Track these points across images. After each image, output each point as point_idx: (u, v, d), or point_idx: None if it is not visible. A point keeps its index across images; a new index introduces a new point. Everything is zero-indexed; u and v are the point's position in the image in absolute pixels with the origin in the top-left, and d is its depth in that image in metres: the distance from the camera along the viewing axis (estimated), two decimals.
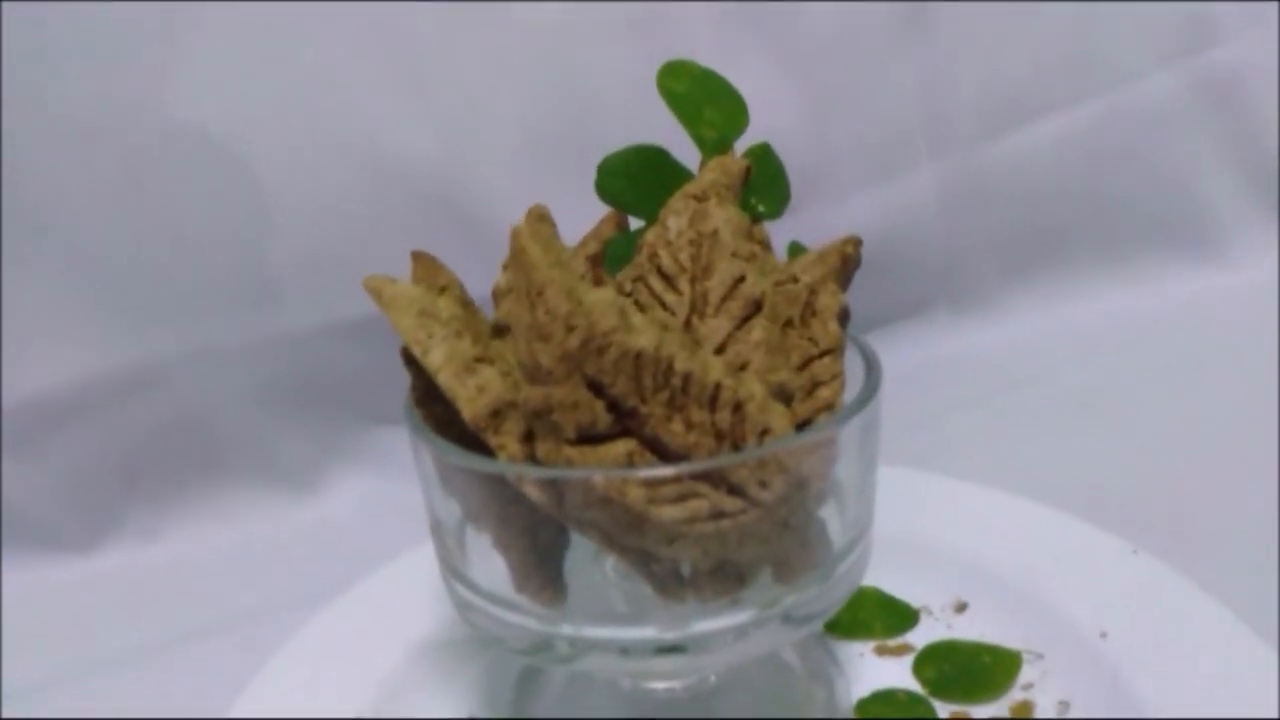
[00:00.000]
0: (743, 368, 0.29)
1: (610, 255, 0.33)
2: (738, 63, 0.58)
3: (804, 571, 0.29)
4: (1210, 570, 0.37)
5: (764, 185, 0.36)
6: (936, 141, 0.60)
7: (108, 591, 0.49)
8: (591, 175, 0.56)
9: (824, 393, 0.31)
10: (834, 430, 0.28)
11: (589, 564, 0.31)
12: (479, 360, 0.27)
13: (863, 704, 0.35)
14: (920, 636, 0.38)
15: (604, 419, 0.25)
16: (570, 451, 0.25)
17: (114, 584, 0.49)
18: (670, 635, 0.28)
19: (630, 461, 0.26)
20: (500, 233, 0.54)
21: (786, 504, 0.27)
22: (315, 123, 0.50)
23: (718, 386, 0.26)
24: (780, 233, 0.62)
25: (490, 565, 0.29)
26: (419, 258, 0.34)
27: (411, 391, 0.30)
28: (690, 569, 0.29)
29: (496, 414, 0.26)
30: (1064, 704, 0.34)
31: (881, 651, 0.38)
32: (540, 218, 0.37)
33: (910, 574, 0.41)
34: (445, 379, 0.27)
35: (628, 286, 0.30)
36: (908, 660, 0.37)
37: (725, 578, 0.29)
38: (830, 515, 0.30)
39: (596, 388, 0.25)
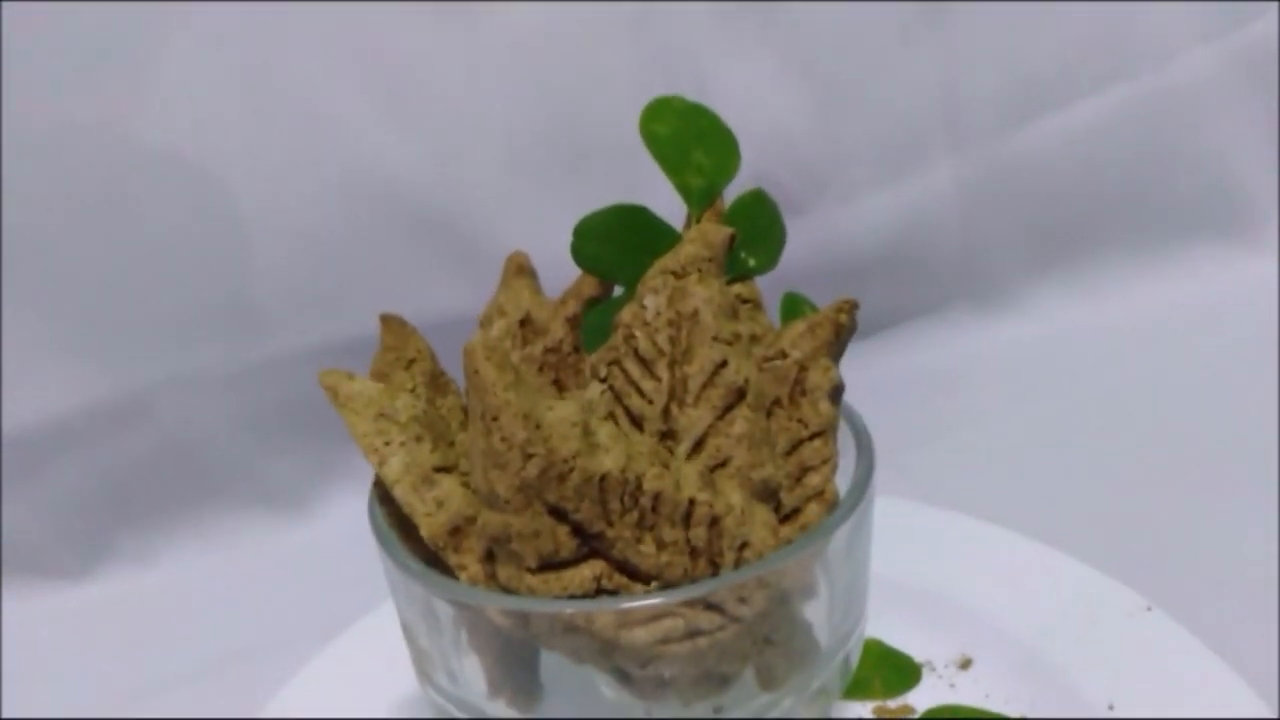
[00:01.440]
0: (724, 464, 0.27)
1: (588, 327, 0.31)
2: (743, 60, 0.56)
3: (789, 677, 0.28)
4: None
5: (757, 235, 0.33)
6: (956, 135, 0.57)
7: (102, 619, 0.48)
8: (584, 185, 0.54)
9: (813, 479, 0.29)
10: (819, 542, 0.26)
11: (568, 665, 0.29)
12: (439, 470, 0.26)
13: None
14: (922, 697, 0.37)
15: (568, 545, 0.24)
16: (532, 580, 0.24)
17: (109, 610, 0.49)
18: None
19: (598, 585, 0.24)
20: (490, 250, 0.52)
21: (768, 619, 0.26)
22: (292, 141, 0.47)
23: (691, 503, 0.25)
24: (792, 238, 0.60)
25: (463, 668, 0.28)
26: (388, 323, 0.32)
27: (375, 487, 0.28)
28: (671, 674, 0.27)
29: (456, 531, 0.25)
30: None
31: (880, 714, 0.37)
32: (520, 269, 0.36)
33: (914, 624, 0.39)
34: (402, 493, 0.25)
35: (602, 371, 0.28)
36: None
37: (708, 681, 0.28)
38: (817, 613, 0.28)
39: (559, 513, 0.23)
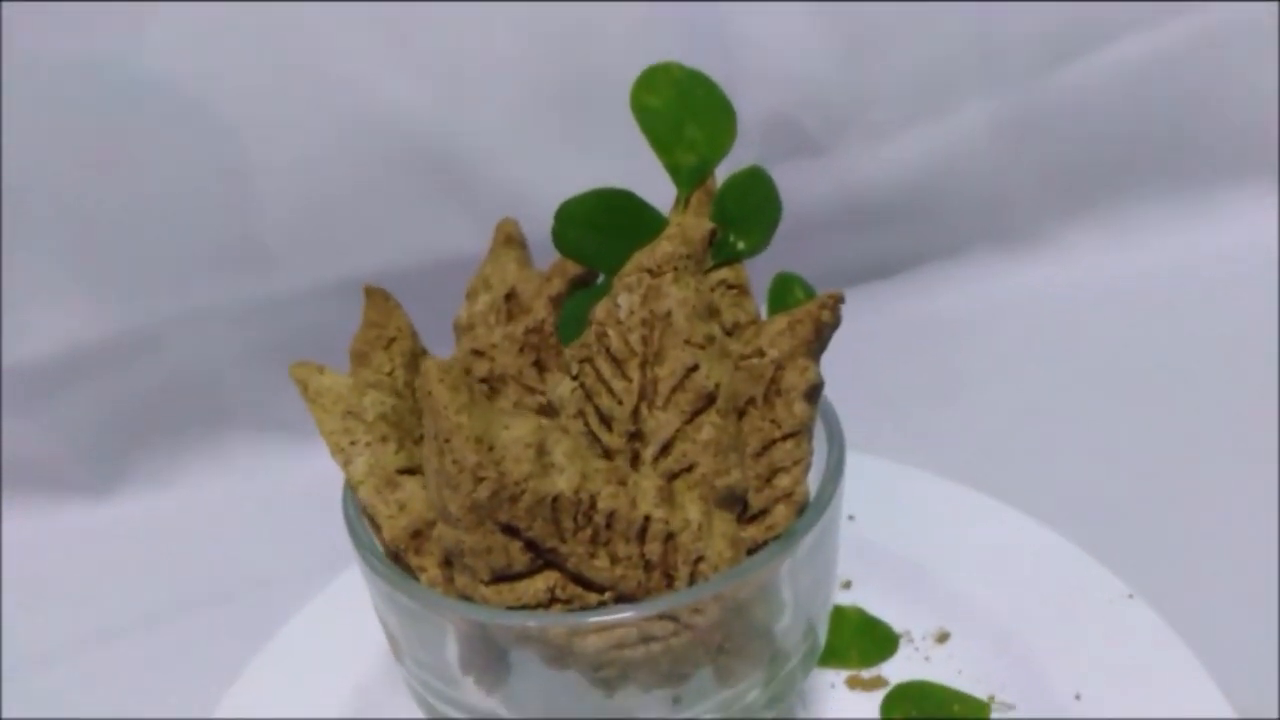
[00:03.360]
0: (689, 469, 0.27)
1: (565, 316, 0.30)
2: None
3: (747, 675, 0.28)
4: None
5: (748, 216, 0.33)
6: (990, 75, 0.55)
7: (121, 538, 0.50)
8: (593, 126, 0.53)
9: (784, 480, 0.29)
10: (775, 560, 0.26)
11: None
12: (402, 472, 0.26)
13: None
14: (896, 669, 0.37)
15: (521, 559, 0.24)
16: (486, 590, 0.24)
17: (127, 530, 0.51)
18: None
19: (552, 595, 0.25)
20: (497, 191, 0.51)
21: (722, 627, 0.26)
22: (300, 81, 0.47)
23: (647, 519, 0.25)
24: (811, 178, 0.58)
25: (431, 651, 0.29)
26: (372, 296, 0.32)
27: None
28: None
29: (417, 534, 0.25)
30: None
31: (854, 684, 0.37)
32: (508, 238, 0.35)
33: (898, 593, 0.40)
34: (365, 494, 0.26)
35: (574, 369, 0.28)
36: (878, 696, 0.37)
37: (667, 678, 0.28)
38: (777, 616, 0.29)
39: (512, 530, 0.24)
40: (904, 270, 0.60)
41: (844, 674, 0.38)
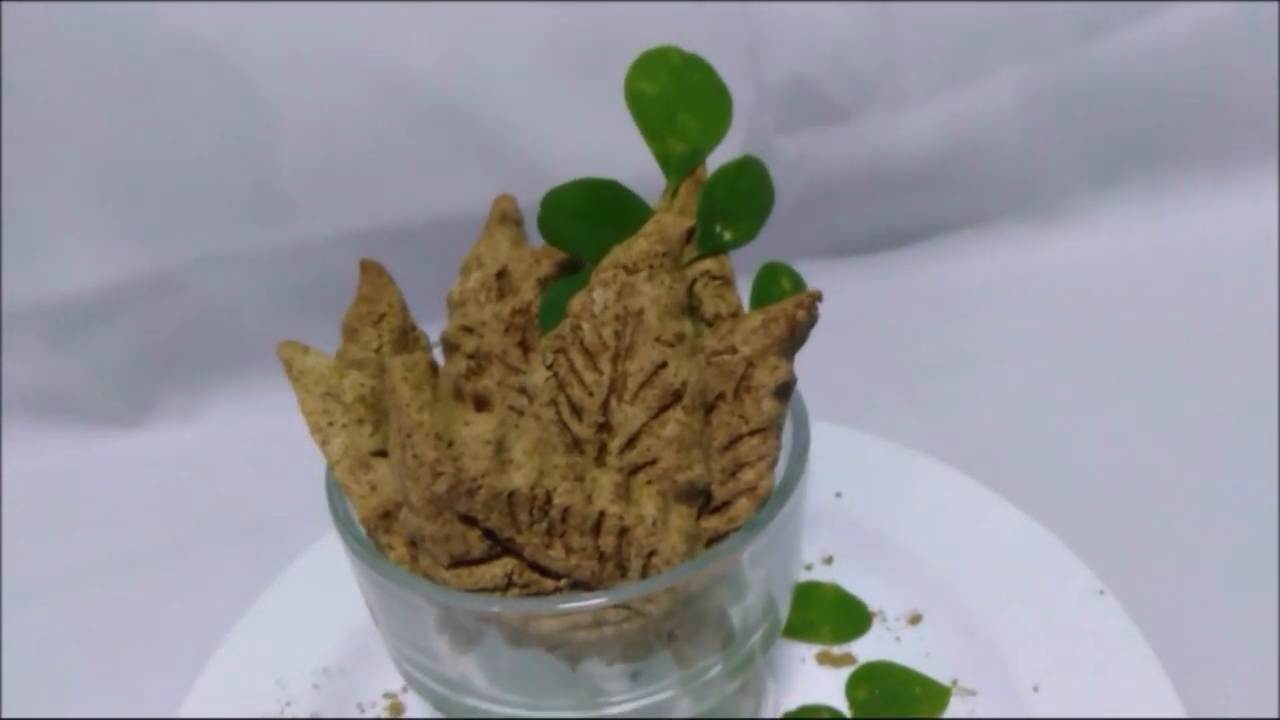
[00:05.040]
0: (652, 463, 0.28)
1: (546, 304, 0.31)
2: None
3: (702, 659, 0.30)
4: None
5: (737, 206, 0.33)
6: (1025, 44, 0.53)
7: (150, 468, 0.53)
8: (612, 88, 0.53)
9: (748, 475, 0.30)
10: (728, 557, 0.27)
11: None
12: (376, 454, 0.27)
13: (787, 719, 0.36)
14: (866, 647, 0.39)
15: (479, 547, 0.25)
16: (446, 574, 0.26)
17: (156, 460, 0.53)
18: (573, 714, 0.30)
19: (509, 580, 0.26)
20: (514, 146, 0.52)
21: (674, 616, 0.28)
22: (319, 33, 0.47)
23: (601, 514, 0.26)
24: (834, 144, 0.58)
25: (404, 618, 0.30)
26: (367, 269, 0.33)
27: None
28: None
29: (386, 515, 0.27)
30: None
31: (823, 659, 0.38)
32: (504, 215, 0.36)
33: (876, 572, 0.41)
34: (340, 474, 0.27)
35: (549, 358, 0.29)
36: (846, 672, 0.38)
37: (623, 656, 0.30)
38: (734, 605, 0.30)
39: (470, 520, 0.25)
40: (926, 239, 0.59)
41: (815, 649, 0.39)
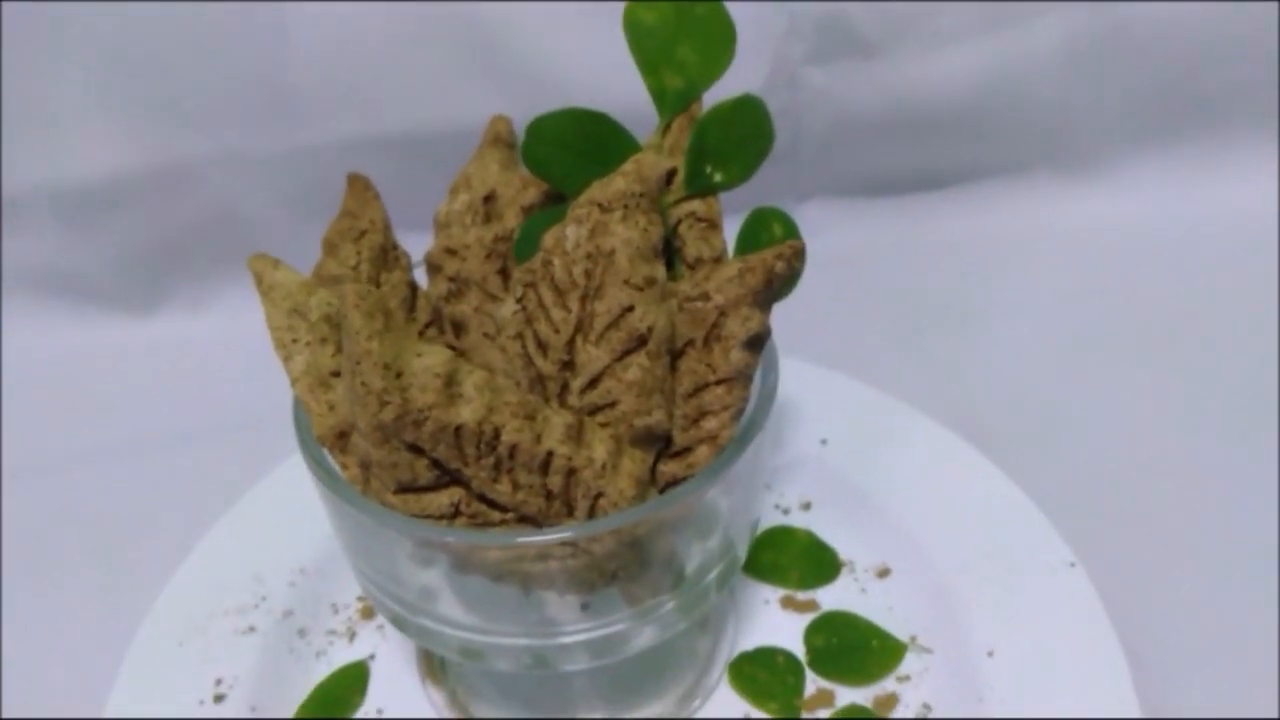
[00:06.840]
0: (611, 405, 0.28)
1: (524, 234, 0.31)
2: None
3: (649, 598, 0.30)
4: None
5: (730, 148, 0.32)
6: None
7: (161, 356, 0.54)
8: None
9: (710, 423, 0.30)
10: (676, 504, 0.27)
11: None
12: (335, 374, 0.27)
13: (739, 660, 0.37)
14: (831, 596, 0.39)
15: (426, 475, 0.26)
16: (393, 499, 0.26)
17: (168, 349, 0.54)
18: (525, 640, 0.30)
19: (456, 510, 0.26)
20: (527, 62, 0.51)
21: (617, 557, 0.28)
22: None
23: (550, 454, 0.26)
24: (861, 81, 0.56)
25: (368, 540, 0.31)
26: (354, 183, 0.33)
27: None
28: None
29: (342, 435, 0.27)
30: (927, 706, 0.35)
31: (787, 604, 0.39)
32: (496, 137, 0.35)
33: (851, 522, 0.41)
34: (300, 391, 0.27)
35: (519, 291, 0.29)
36: (808, 619, 0.38)
37: (573, 585, 0.30)
38: (684, 548, 0.30)
39: (417, 449, 0.25)
40: (950, 186, 0.58)
41: (781, 592, 0.39)
